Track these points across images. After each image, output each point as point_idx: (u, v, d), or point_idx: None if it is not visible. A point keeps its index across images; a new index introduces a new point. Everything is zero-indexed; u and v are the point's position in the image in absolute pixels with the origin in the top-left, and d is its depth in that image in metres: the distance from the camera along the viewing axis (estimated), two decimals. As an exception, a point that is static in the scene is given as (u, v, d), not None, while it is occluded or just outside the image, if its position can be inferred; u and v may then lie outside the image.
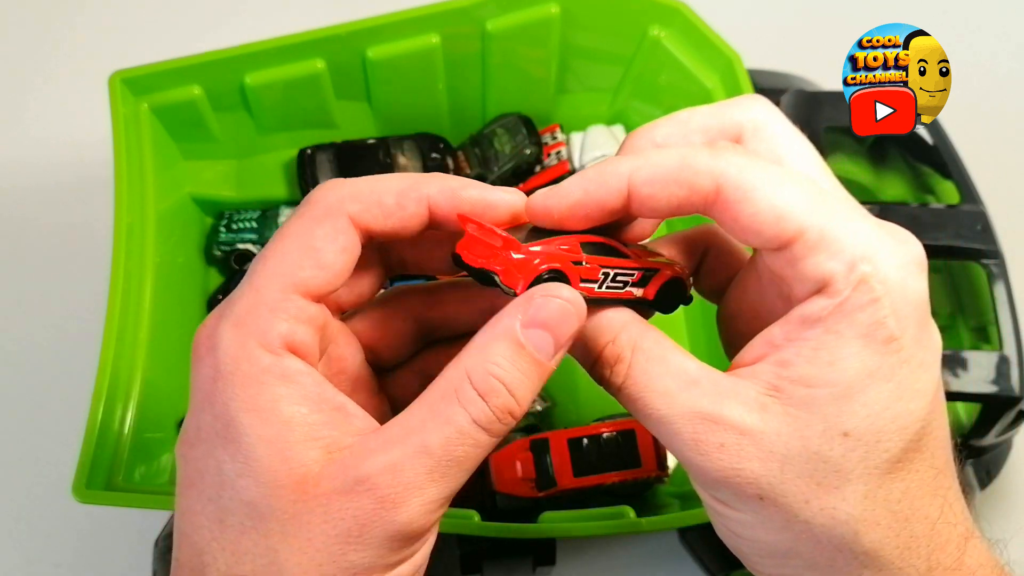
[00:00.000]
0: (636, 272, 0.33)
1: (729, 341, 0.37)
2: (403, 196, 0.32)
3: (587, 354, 0.32)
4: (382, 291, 0.38)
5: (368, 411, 0.32)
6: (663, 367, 0.31)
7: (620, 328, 0.32)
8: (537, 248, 0.31)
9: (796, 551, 0.30)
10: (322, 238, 0.31)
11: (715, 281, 0.38)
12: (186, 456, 0.30)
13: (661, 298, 0.34)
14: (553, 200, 0.32)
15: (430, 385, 0.30)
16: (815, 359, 0.29)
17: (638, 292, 0.33)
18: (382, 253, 0.36)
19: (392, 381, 0.38)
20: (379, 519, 0.28)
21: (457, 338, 0.36)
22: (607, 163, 0.32)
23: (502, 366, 0.29)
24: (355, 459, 0.29)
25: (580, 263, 0.32)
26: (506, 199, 0.32)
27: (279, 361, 0.29)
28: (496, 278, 0.31)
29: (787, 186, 0.30)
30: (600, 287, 0.32)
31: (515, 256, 0.31)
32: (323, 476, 0.28)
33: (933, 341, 0.31)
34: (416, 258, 0.36)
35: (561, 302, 0.30)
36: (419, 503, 0.29)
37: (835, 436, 0.29)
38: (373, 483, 0.28)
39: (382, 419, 0.31)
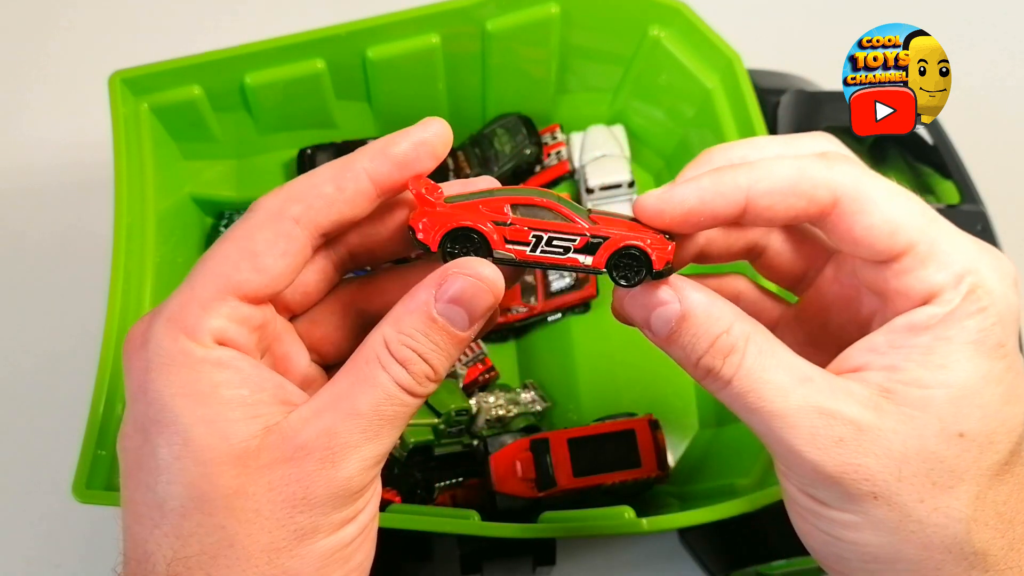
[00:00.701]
0: (578, 238, 0.32)
1: (808, 341, 0.37)
2: (339, 179, 0.32)
3: (695, 344, 0.31)
4: None
5: None
6: (776, 360, 0.31)
7: (733, 319, 0.31)
8: (453, 203, 0.32)
9: (904, 554, 0.30)
10: (262, 242, 0.31)
11: (787, 265, 0.37)
12: (125, 448, 0.31)
13: (616, 269, 0.32)
14: (668, 205, 0.32)
15: (354, 354, 0.31)
16: (927, 363, 0.30)
17: (586, 260, 0.32)
18: (331, 251, 0.36)
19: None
20: (321, 478, 0.29)
21: None
22: (723, 172, 0.32)
23: (416, 338, 0.30)
24: (292, 429, 0.30)
25: (505, 223, 0.31)
26: (430, 132, 0.33)
27: (212, 352, 0.30)
28: (414, 233, 0.32)
29: (900, 199, 0.31)
30: (534, 250, 0.32)
31: (433, 212, 0.31)
32: (263, 448, 0.29)
33: (1020, 353, 0.31)
34: (365, 247, 0.36)
35: (471, 280, 0.30)
36: (357, 459, 0.30)
37: (951, 436, 0.29)
38: (311, 447, 0.29)
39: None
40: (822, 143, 0.33)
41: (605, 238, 0.32)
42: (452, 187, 0.34)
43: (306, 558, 0.30)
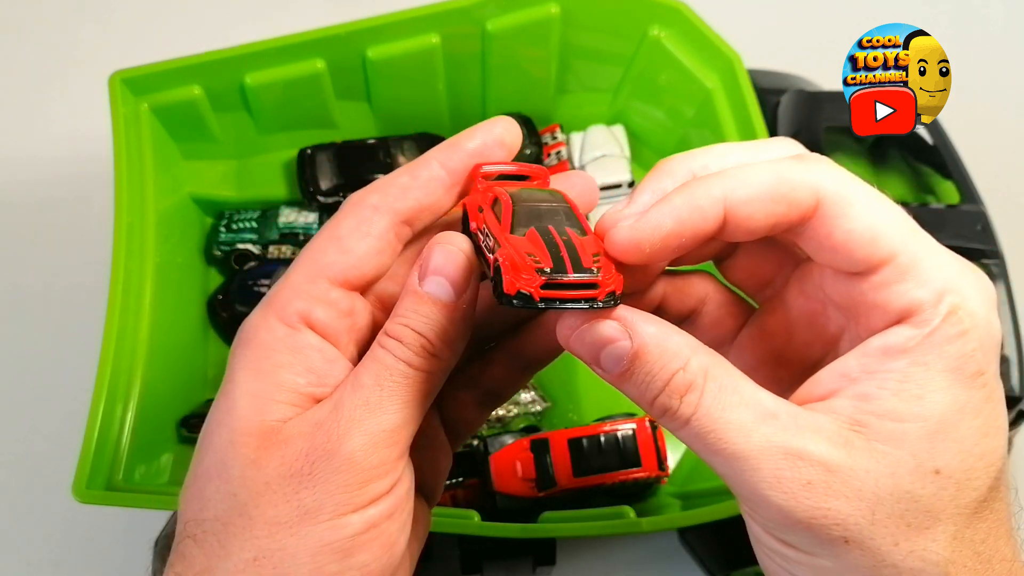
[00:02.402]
0: (491, 239, 0.30)
1: (770, 357, 0.35)
2: (412, 170, 0.33)
3: (650, 383, 0.29)
4: None
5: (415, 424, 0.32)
6: (737, 397, 0.28)
7: (690, 353, 0.29)
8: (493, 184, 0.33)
9: None
10: (345, 228, 0.33)
11: (715, 330, 0.36)
12: (208, 420, 0.32)
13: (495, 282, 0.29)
14: (644, 234, 0.29)
15: None
16: (902, 392, 0.28)
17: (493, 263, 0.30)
18: None
19: (448, 397, 0.37)
20: (325, 451, 0.29)
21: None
22: (694, 186, 0.29)
23: (407, 315, 0.31)
24: (313, 412, 0.30)
25: (481, 211, 0.32)
26: (499, 127, 0.33)
27: (293, 334, 0.31)
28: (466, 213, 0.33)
29: (883, 206, 0.29)
30: (485, 240, 0.31)
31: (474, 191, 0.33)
32: (285, 427, 0.30)
33: (1000, 379, 0.30)
34: None
35: (445, 246, 0.31)
36: (360, 433, 0.30)
37: (927, 473, 0.27)
38: (321, 422, 0.30)
39: (428, 433, 0.35)
40: (789, 147, 0.32)
41: (496, 247, 0.29)
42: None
43: (304, 539, 0.29)
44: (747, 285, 0.35)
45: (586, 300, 0.28)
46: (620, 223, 0.29)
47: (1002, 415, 0.29)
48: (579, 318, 0.29)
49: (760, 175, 0.29)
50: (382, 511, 0.31)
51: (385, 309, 0.35)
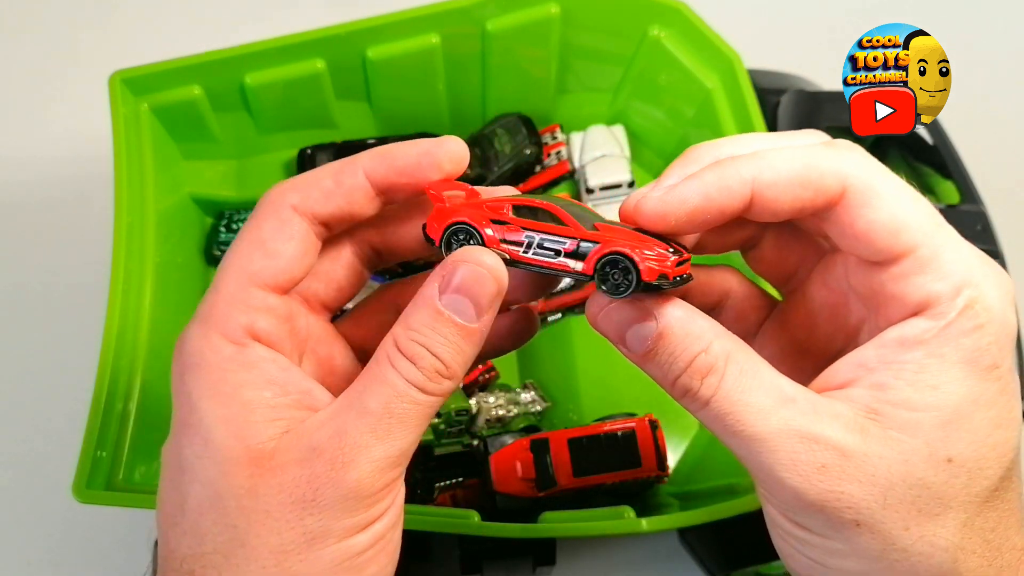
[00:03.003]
0: (568, 241, 0.30)
1: (792, 348, 0.36)
2: (338, 174, 0.32)
3: (671, 365, 0.30)
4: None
5: None
6: (757, 381, 0.29)
7: (713, 337, 0.30)
8: (456, 202, 0.32)
9: None
10: (268, 230, 0.32)
11: (739, 322, 0.36)
12: (163, 451, 0.32)
13: (604, 277, 0.30)
14: (671, 206, 0.30)
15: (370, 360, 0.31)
16: (917, 382, 0.28)
17: (576, 266, 0.30)
18: (354, 247, 0.36)
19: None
20: (330, 480, 0.29)
21: None
22: (725, 165, 0.30)
23: (423, 332, 0.30)
24: (307, 431, 0.30)
25: (503, 222, 0.31)
26: (441, 142, 0.32)
27: (242, 350, 0.30)
28: (425, 229, 0.33)
29: (909, 198, 0.29)
30: (526, 251, 0.31)
31: (442, 208, 0.32)
32: (278, 450, 0.29)
33: (1017, 374, 0.30)
34: (385, 244, 0.36)
35: (473, 266, 0.30)
36: (367, 461, 0.29)
37: (940, 462, 0.28)
38: (323, 448, 0.29)
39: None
40: (817, 136, 0.32)
41: (595, 243, 0.30)
42: (486, 192, 0.34)
43: (314, 563, 0.29)
44: (772, 275, 0.36)
45: (686, 275, 0.30)
46: (650, 194, 0.30)
47: (1016, 408, 0.29)
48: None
49: (789, 159, 0.30)
50: (386, 524, 0.31)
51: (312, 307, 0.36)
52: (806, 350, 0.35)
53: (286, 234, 0.32)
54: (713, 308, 0.37)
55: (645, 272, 0.29)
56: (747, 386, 0.29)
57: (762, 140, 0.32)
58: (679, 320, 0.30)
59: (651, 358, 0.30)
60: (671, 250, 0.30)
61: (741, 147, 0.32)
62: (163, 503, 0.31)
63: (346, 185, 0.32)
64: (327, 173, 0.33)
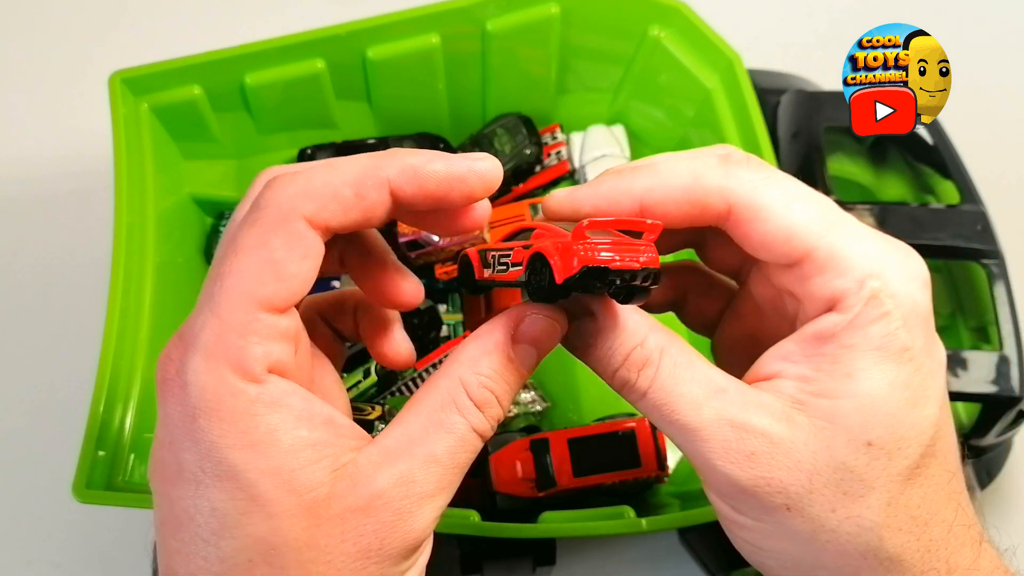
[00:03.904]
0: (511, 252, 0.31)
1: (729, 372, 0.36)
2: (360, 185, 0.29)
3: (610, 358, 0.31)
4: None
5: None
6: (690, 373, 0.31)
7: (648, 331, 0.31)
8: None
9: (821, 562, 0.30)
10: (280, 248, 0.28)
11: (702, 316, 0.39)
12: (168, 495, 0.29)
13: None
14: (566, 208, 0.33)
15: (421, 393, 0.30)
16: (834, 372, 0.30)
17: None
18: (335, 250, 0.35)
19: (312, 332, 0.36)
20: (398, 531, 0.28)
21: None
22: (620, 179, 0.32)
23: (494, 379, 0.30)
24: (363, 475, 0.28)
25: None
26: (477, 169, 0.30)
27: (265, 389, 0.28)
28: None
29: (797, 204, 0.31)
30: (491, 270, 0.32)
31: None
32: (334, 496, 0.28)
33: (938, 350, 0.31)
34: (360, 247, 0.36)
35: (550, 320, 0.31)
36: (431, 510, 0.29)
37: (860, 446, 0.29)
38: (388, 497, 0.28)
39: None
40: (720, 150, 0.33)
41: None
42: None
43: None
44: (722, 270, 0.38)
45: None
46: (554, 195, 0.33)
47: (934, 385, 0.31)
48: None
49: (677, 177, 0.31)
50: (427, 554, 0.31)
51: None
52: (758, 339, 0.36)
53: (300, 252, 0.29)
54: (676, 303, 0.39)
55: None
56: (681, 377, 0.31)
57: (667, 156, 0.34)
58: (616, 316, 0.31)
59: (591, 352, 0.32)
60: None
61: (643, 163, 0.33)
62: (189, 555, 0.28)
63: (369, 199, 0.29)
64: (345, 181, 0.29)
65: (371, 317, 0.38)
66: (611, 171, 0.33)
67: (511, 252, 0.31)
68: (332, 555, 0.28)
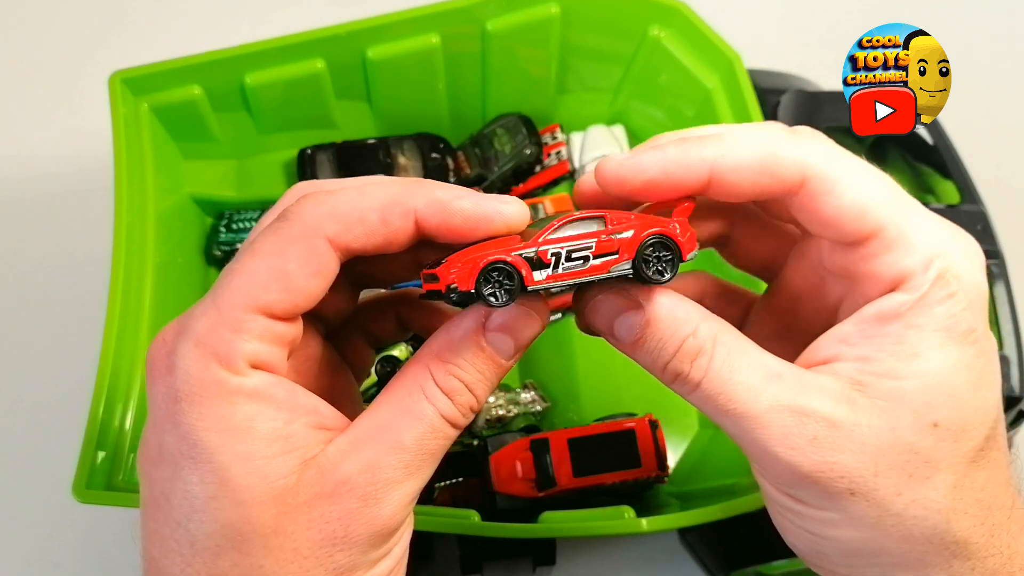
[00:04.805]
0: (593, 243, 0.29)
1: (779, 333, 0.36)
2: (387, 212, 0.29)
3: (660, 351, 0.31)
4: None
5: (336, 383, 0.33)
6: (745, 360, 0.30)
7: (699, 320, 0.31)
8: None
9: (886, 548, 0.30)
10: (295, 259, 0.29)
11: (751, 254, 0.37)
12: (150, 475, 0.29)
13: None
14: (629, 172, 0.30)
15: (392, 381, 0.30)
16: (898, 353, 0.29)
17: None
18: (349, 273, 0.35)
19: (342, 341, 0.38)
20: (363, 517, 0.28)
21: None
22: (690, 143, 0.30)
23: (463, 367, 0.30)
24: (331, 463, 0.29)
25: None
26: (504, 212, 0.30)
27: (247, 380, 0.28)
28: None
29: (870, 180, 0.30)
30: (556, 269, 0.29)
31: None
32: (301, 484, 0.28)
33: (992, 335, 0.31)
34: (378, 271, 0.36)
35: (523, 309, 0.30)
36: (399, 497, 0.29)
37: (925, 427, 0.29)
38: (353, 483, 0.28)
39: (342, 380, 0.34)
40: (777, 127, 0.32)
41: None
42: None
43: None
44: (749, 267, 0.37)
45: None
46: (614, 157, 0.31)
47: (994, 370, 0.30)
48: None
49: (751, 145, 0.30)
50: (404, 545, 0.31)
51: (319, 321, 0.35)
52: (793, 332, 0.35)
53: (313, 268, 0.29)
54: (721, 238, 0.37)
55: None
56: (735, 365, 0.30)
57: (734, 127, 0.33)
58: (664, 306, 0.30)
59: (640, 345, 0.31)
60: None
61: (708, 132, 0.32)
62: (160, 536, 0.29)
63: (393, 226, 0.29)
64: (373, 206, 0.29)
65: (419, 309, 0.38)
66: (669, 138, 0.32)
67: (591, 243, 0.29)
68: (298, 542, 0.28)
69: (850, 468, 0.29)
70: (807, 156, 0.30)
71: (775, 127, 0.32)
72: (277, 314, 0.29)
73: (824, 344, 0.31)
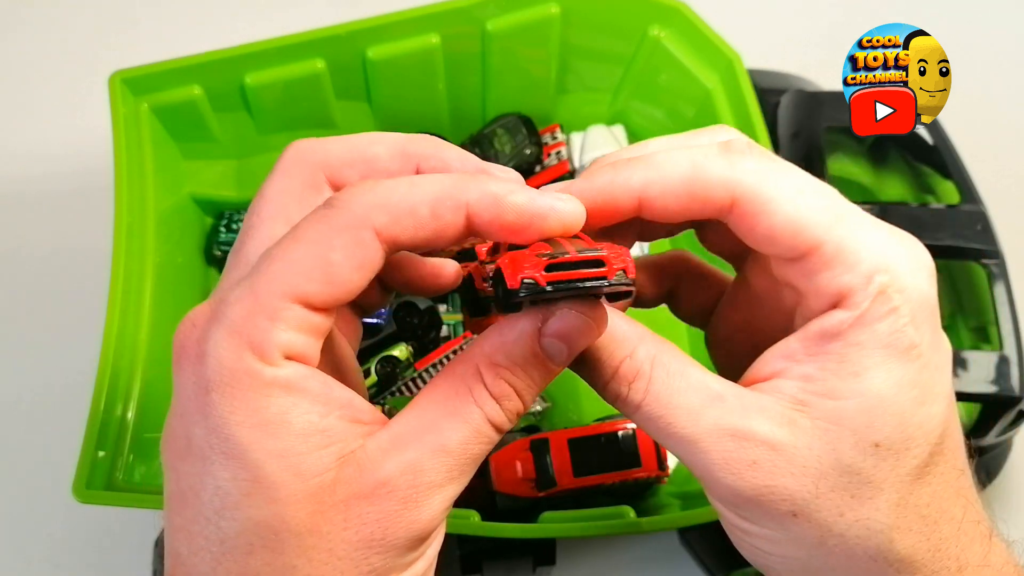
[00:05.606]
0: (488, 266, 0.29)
1: (724, 363, 0.36)
2: (439, 205, 0.28)
3: (599, 372, 0.30)
4: None
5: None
6: (685, 382, 0.29)
7: (637, 341, 0.30)
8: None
9: (830, 565, 0.30)
10: (340, 250, 0.27)
11: (694, 305, 0.37)
12: (176, 469, 0.28)
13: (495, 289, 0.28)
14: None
15: (437, 379, 0.29)
16: (840, 372, 0.29)
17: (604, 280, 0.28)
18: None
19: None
20: (402, 520, 0.28)
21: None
22: (617, 170, 0.30)
23: (515, 372, 0.29)
24: (371, 461, 0.28)
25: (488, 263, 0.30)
26: (558, 210, 0.28)
27: (281, 371, 0.27)
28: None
29: (805, 196, 0.29)
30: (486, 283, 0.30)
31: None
32: (339, 482, 0.27)
33: (944, 344, 0.31)
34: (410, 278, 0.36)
35: (578, 314, 0.28)
36: (439, 501, 0.28)
37: (867, 447, 0.29)
38: (394, 485, 0.27)
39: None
40: (720, 135, 0.32)
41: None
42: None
43: None
44: (721, 253, 0.36)
45: (596, 278, 0.27)
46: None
47: (941, 381, 0.30)
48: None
49: (677, 168, 0.30)
50: (437, 546, 0.30)
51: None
52: (756, 327, 0.35)
53: (357, 260, 0.27)
54: (668, 293, 0.38)
55: (509, 278, 0.27)
56: (675, 388, 0.29)
57: (662, 143, 0.32)
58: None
59: (580, 365, 0.30)
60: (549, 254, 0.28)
61: (640, 152, 0.32)
62: (191, 535, 0.28)
63: (444, 220, 0.28)
64: (424, 200, 0.28)
65: (398, 267, 0.37)
66: (605, 163, 0.31)
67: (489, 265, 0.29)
68: (333, 543, 0.27)
69: (791, 491, 0.29)
70: (738, 175, 0.29)
71: (708, 145, 0.31)
72: (316, 305, 0.27)
73: (770, 359, 0.31)
